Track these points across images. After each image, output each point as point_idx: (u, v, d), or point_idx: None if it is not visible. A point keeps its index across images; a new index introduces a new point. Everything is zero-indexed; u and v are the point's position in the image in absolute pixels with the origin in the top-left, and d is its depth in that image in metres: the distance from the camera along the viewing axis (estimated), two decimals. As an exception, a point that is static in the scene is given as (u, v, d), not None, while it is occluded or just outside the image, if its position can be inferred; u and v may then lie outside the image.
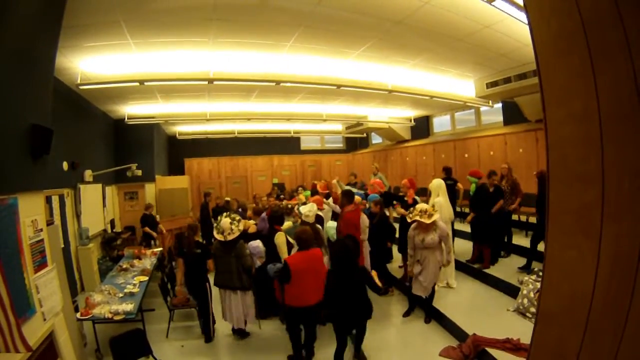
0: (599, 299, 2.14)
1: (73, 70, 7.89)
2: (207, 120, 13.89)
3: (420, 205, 6.94)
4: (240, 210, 10.79)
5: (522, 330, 5.77)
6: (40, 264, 4.25)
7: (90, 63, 7.62)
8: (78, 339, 5.46)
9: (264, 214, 7.94)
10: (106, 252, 11.11)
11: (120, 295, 6.55)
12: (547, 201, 2.55)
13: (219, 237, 6.43)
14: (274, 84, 8.92)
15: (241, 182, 20.09)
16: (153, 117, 13.30)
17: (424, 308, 7.14)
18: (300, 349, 5.96)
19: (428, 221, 6.52)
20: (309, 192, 10.44)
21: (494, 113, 13.85)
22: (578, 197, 2.31)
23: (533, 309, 6.21)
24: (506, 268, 8.32)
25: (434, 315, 7.01)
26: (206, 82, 8.38)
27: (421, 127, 17.13)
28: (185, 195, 16.08)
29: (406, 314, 7.29)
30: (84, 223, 9.94)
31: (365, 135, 21.20)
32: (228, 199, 12.22)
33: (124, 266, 8.26)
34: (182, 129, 17.94)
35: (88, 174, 10.45)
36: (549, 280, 2.60)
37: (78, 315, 5.74)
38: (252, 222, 7.72)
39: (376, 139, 21.20)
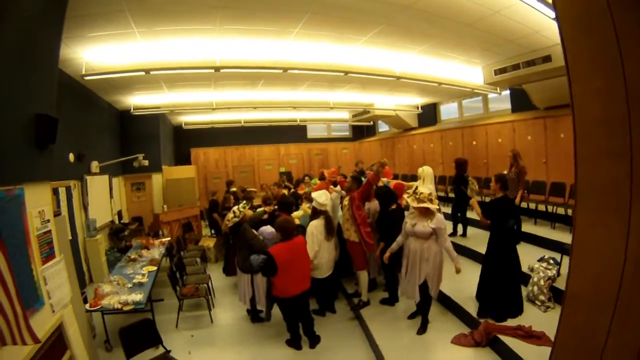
0: (628, 278, 2.06)
1: (77, 61, 7.82)
2: (213, 110, 13.76)
3: (422, 188, 6.65)
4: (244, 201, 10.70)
5: (533, 318, 5.75)
6: (48, 255, 4.20)
7: (94, 53, 7.55)
8: (87, 331, 5.41)
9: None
10: (114, 243, 11.12)
11: (129, 285, 6.51)
12: (575, 179, 2.42)
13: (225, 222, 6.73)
14: (281, 71, 8.79)
15: (248, 171, 20.05)
16: (159, 108, 13.24)
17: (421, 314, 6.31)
18: (299, 337, 6.07)
19: (415, 204, 5.80)
20: (317, 180, 10.28)
21: (501, 100, 13.64)
22: (605, 174, 2.23)
23: (542, 297, 6.18)
24: (521, 256, 8.02)
25: (444, 302, 6.85)
26: (212, 70, 8.24)
27: (428, 115, 16.97)
28: (193, 185, 16.07)
29: (412, 316, 6.56)
30: (92, 214, 9.92)
31: (372, 123, 21.04)
32: (234, 189, 12.04)
33: (133, 257, 8.21)
34: (188, 119, 17.87)
35: (95, 165, 10.43)
36: (577, 261, 2.53)
37: (87, 306, 5.70)
38: (261, 209, 7.62)
39: (383, 127, 21.09)
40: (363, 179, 7.54)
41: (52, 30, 4.54)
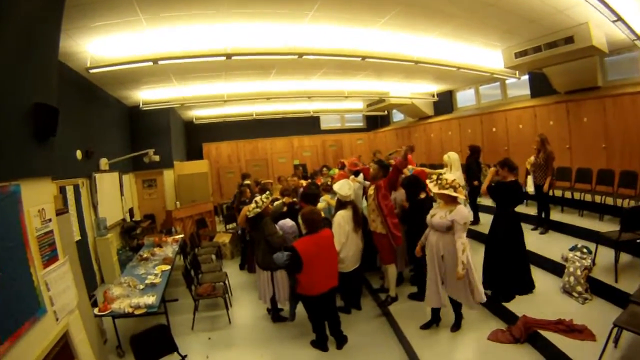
0: None
1: (82, 55, 7.55)
2: (225, 102, 13.46)
3: (447, 175, 5.53)
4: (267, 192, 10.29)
5: (570, 310, 5.39)
6: (50, 258, 3.87)
7: (99, 45, 7.23)
8: (97, 337, 5.07)
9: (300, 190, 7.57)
10: (126, 241, 10.90)
11: (141, 287, 6.12)
12: None
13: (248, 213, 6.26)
14: (296, 57, 8.39)
15: (261, 164, 19.78)
16: (169, 102, 12.92)
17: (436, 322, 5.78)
18: (326, 338, 5.61)
19: (436, 190, 5.22)
20: (336, 171, 9.85)
21: (519, 86, 13.38)
22: None
23: (580, 288, 5.79)
24: (546, 245, 7.75)
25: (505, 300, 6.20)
26: (224, 58, 7.85)
27: (444, 102, 16.55)
28: (206, 180, 15.66)
29: (425, 326, 5.77)
30: (102, 213, 9.64)
31: (386, 112, 20.65)
32: (248, 182, 11.66)
33: (145, 255, 7.84)
34: (199, 113, 17.57)
35: (104, 163, 10.15)
36: None
37: (96, 310, 5.33)
38: (280, 202, 7.22)
39: (397, 117, 20.79)
40: None
41: (51, 15, 4.24)
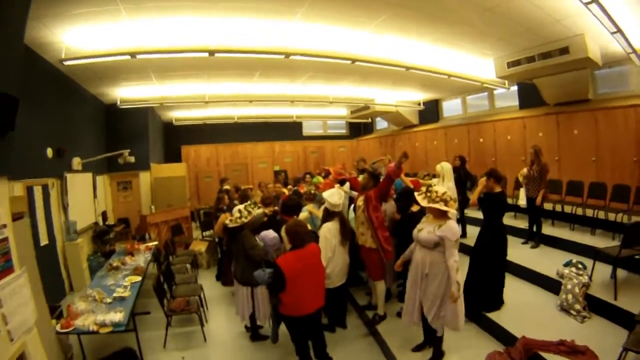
0: None
1: (57, 46, 7.09)
2: (206, 104, 13.10)
3: (438, 187, 4.96)
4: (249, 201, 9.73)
5: (570, 330, 5.17)
6: (4, 270, 3.42)
7: (75, 35, 6.77)
8: (58, 357, 4.57)
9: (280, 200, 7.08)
10: (98, 247, 10.36)
11: (109, 300, 5.55)
12: None
13: (226, 222, 5.82)
14: (282, 56, 7.99)
15: (241, 169, 19.37)
16: (147, 101, 12.45)
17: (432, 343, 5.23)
18: None
19: (424, 203, 4.77)
20: (319, 179, 9.39)
21: (506, 97, 13.41)
22: None
23: (578, 306, 5.62)
24: (538, 259, 7.55)
25: (472, 317, 5.91)
26: (206, 55, 7.40)
27: (430, 111, 16.53)
28: (183, 184, 15.17)
29: (417, 349, 5.35)
30: (73, 216, 9.11)
31: (369, 120, 20.60)
32: (228, 187, 11.16)
33: (115, 264, 7.25)
34: (179, 115, 17.15)
35: (76, 162, 9.62)
36: None
37: (58, 327, 4.78)
38: (260, 211, 6.72)
39: (381, 125, 20.71)
40: None
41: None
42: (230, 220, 5.71)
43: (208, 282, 8.89)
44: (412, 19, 7.13)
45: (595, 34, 7.57)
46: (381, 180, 6.26)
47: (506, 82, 11.90)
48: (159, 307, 6.21)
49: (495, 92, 13.77)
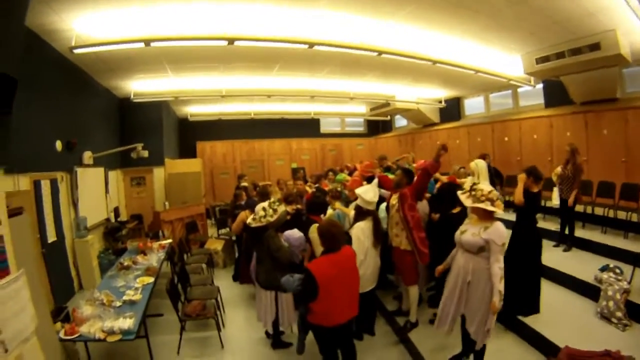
0: None
1: (67, 33, 6.74)
2: (222, 98, 12.59)
3: (483, 185, 4.61)
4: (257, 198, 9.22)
5: (611, 338, 4.84)
6: (-1, 272, 2.98)
7: (86, 22, 6.41)
8: (62, 365, 4.18)
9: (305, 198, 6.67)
10: (109, 244, 10.04)
11: (118, 304, 5.09)
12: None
13: (248, 221, 5.41)
14: (306, 46, 7.51)
15: (257, 166, 19.13)
16: (162, 95, 12.06)
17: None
18: None
19: (468, 203, 4.35)
20: (343, 175, 8.86)
21: (530, 95, 13.16)
22: None
23: (619, 313, 5.28)
24: (572, 263, 7.19)
25: (509, 324, 5.60)
26: (225, 44, 6.92)
27: (451, 109, 16.20)
28: (198, 180, 14.78)
29: (455, 358, 4.94)
30: (83, 212, 8.79)
31: (388, 118, 20.20)
32: (245, 184, 10.71)
33: (125, 263, 6.79)
34: (194, 110, 16.82)
35: (87, 156, 9.28)
36: None
37: (62, 333, 4.35)
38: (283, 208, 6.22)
39: (400, 123, 20.39)
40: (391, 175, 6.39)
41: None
42: (254, 219, 5.27)
43: (225, 282, 8.49)
44: (441, 10, 6.75)
45: (626, 30, 7.39)
46: (416, 176, 5.81)
47: (532, 79, 11.53)
48: (172, 308, 5.74)
49: (519, 90, 13.46)
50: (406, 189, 5.56)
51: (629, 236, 7.94)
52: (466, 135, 15.01)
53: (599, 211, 8.91)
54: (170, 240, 8.95)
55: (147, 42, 6.66)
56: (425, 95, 15.25)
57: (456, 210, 5.49)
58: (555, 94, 11.62)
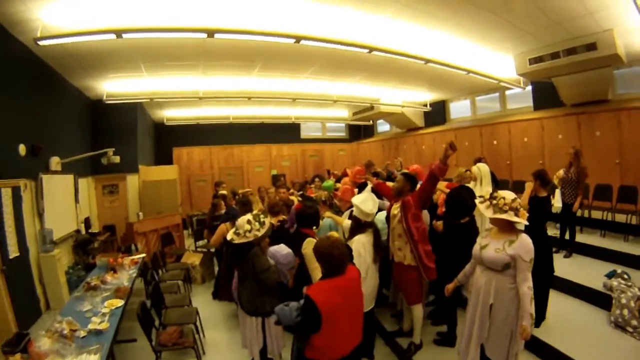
0: None
1: (33, 24, 6.16)
2: (200, 100, 12.09)
3: (505, 193, 3.81)
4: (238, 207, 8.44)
5: (629, 349, 4.74)
6: None
7: (55, 11, 5.86)
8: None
9: (293, 208, 6.07)
10: (80, 258, 9.30)
11: (82, 334, 4.29)
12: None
13: (229, 237, 4.57)
14: (292, 41, 6.96)
15: (236, 173, 18.53)
16: (136, 96, 11.46)
17: None
18: None
19: (489, 214, 3.75)
20: (330, 182, 8.24)
21: (516, 98, 13.22)
22: None
23: (635, 322, 5.08)
24: (575, 269, 6.97)
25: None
26: (204, 36, 6.34)
27: (437, 113, 16.06)
28: (174, 188, 14.23)
29: None
30: (49, 223, 8.04)
31: (371, 122, 20.19)
32: (224, 192, 10.06)
33: (93, 283, 5.96)
34: (171, 114, 16.23)
35: (55, 162, 8.55)
36: None
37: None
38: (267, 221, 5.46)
39: (382, 127, 20.44)
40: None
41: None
42: (237, 234, 4.48)
43: (203, 299, 7.86)
44: (441, 3, 6.37)
45: (623, 30, 7.37)
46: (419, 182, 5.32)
47: (521, 81, 11.45)
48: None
49: (507, 92, 13.41)
50: (409, 196, 4.98)
51: (629, 239, 7.85)
52: (453, 139, 14.10)
53: (596, 214, 8.84)
54: (143, 255, 8.17)
55: (119, 33, 6.05)
56: (411, 99, 15.08)
57: (464, 220, 4.92)
58: (544, 96, 11.58)
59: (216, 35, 6.32)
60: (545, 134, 11.36)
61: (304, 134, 20.95)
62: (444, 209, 5.62)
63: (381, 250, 4.89)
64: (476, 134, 13.67)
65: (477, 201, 3.98)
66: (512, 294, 3.60)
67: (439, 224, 5.55)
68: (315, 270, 4.24)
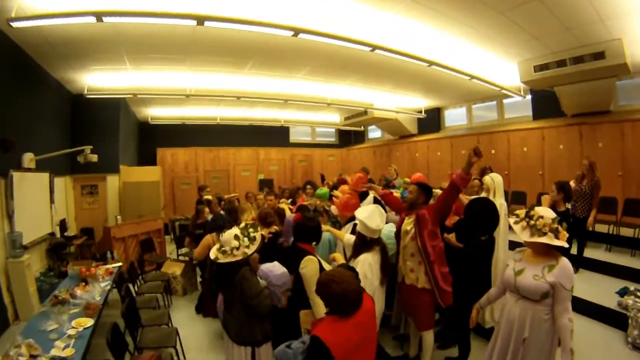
0: None
1: (8, 3, 5.55)
2: (187, 98, 11.61)
3: (544, 211, 3.33)
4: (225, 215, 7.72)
5: None
6: None
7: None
8: None
9: (289, 218, 5.42)
10: (54, 263, 8.66)
11: None
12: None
13: (213, 255, 3.77)
14: (290, 33, 6.41)
15: (222, 177, 17.97)
16: (119, 91, 10.93)
17: None
18: None
19: (525, 237, 3.25)
20: (325, 190, 7.57)
21: (514, 107, 13.10)
22: None
23: None
24: (585, 286, 6.69)
25: None
26: (194, 23, 5.76)
27: (431, 120, 15.79)
28: (157, 191, 13.54)
29: None
30: (20, 225, 7.39)
31: (362, 128, 19.82)
32: (209, 197, 9.44)
33: (61, 297, 5.27)
34: (156, 113, 15.62)
35: (28, 159, 7.90)
36: None
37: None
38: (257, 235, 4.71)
39: (374, 134, 20.13)
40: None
41: None
42: (222, 252, 3.71)
43: (185, 314, 7.22)
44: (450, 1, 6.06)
45: (633, 39, 7.25)
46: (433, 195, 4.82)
47: (522, 89, 11.21)
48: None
49: (504, 101, 13.30)
50: (424, 210, 4.42)
51: (635, 254, 7.77)
52: (448, 147, 14.55)
53: (600, 228, 8.63)
54: (120, 264, 7.55)
55: (99, 15, 5.43)
56: (405, 105, 14.74)
57: (484, 237, 4.37)
58: (544, 106, 11.47)
59: (207, 24, 5.75)
60: (545, 144, 11.19)
61: (293, 138, 20.51)
62: (453, 221, 5.17)
63: (389, 270, 4.34)
64: (473, 143, 12.72)
65: (511, 221, 3.40)
66: (547, 325, 3.15)
67: (451, 236, 4.92)
68: (311, 293, 3.63)
